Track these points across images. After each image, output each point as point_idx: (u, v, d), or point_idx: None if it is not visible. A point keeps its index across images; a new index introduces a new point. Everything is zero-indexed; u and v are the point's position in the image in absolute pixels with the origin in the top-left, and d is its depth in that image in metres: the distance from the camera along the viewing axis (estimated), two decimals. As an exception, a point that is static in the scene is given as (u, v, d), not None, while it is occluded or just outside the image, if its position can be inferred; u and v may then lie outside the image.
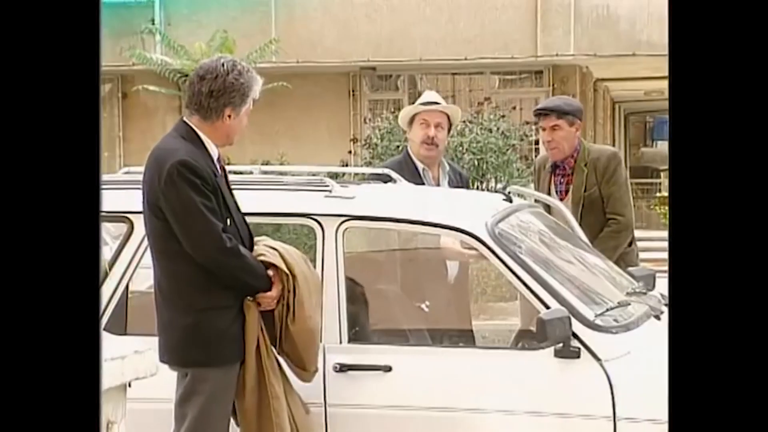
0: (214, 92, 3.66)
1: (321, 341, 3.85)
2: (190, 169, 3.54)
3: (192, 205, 3.53)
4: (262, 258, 3.70)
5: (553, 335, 3.63)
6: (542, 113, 5.44)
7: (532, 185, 10.76)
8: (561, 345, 3.69)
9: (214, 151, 3.74)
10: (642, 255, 5.94)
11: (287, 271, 3.67)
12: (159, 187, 3.57)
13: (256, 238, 3.82)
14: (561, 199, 5.39)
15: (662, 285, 4.97)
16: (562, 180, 5.45)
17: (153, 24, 15.11)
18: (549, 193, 5.41)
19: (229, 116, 3.69)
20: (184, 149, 3.62)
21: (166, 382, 3.88)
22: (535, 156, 15.18)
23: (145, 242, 4.19)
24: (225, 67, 3.67)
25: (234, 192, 3.82)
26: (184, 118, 3.79)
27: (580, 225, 5.29)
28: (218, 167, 3.73)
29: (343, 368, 3.88)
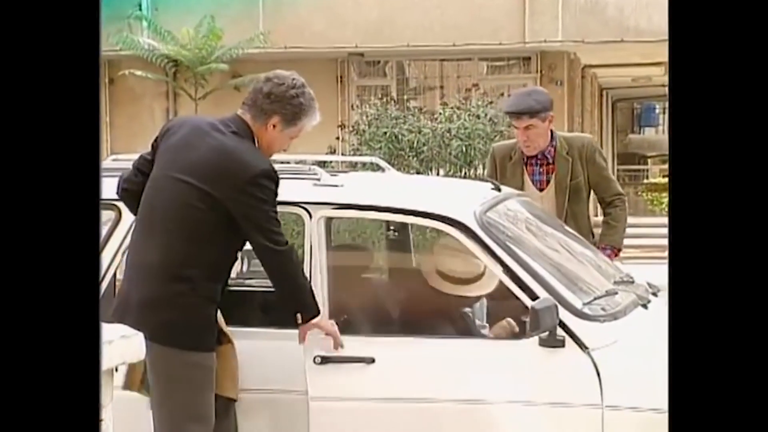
0: (273, 95, 3.76)
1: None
2: (273, 179, 3.68)
3: (272, 213, 3.69)
4: None
5: (544, 324, 3.64)
6: (513, 115, 5.34)
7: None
8: (547, 334, 3.70)
9: None
10: (630, 242, 5.95)
11: None
12: (237, 184, 3.64)
13: None
14: (541, 189, 5.37)
15: (649, 272, 4.98)
16: (541, 170, 5.40)
17: (140, 9, 15.05)
18: (523, 184, 5.38)
19: (274, 126, 3.77)
20: (263, 156, 3.77)
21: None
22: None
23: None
24: (293, 81, 3.81)
25: None
26: (239, 113, 3.84)
27: (567, 213, 5.30)
28: None
29: (324, 360, 3.87)
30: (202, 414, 3.70)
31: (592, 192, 5.49)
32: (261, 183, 3.65)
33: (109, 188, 4.00)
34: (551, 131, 5.41)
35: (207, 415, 3.71)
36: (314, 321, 3.78)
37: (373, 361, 3.85)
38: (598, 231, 5.57)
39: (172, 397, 3.71)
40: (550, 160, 5.37)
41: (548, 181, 5.38)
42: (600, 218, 5.65)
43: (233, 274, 6.34)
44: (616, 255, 5.34)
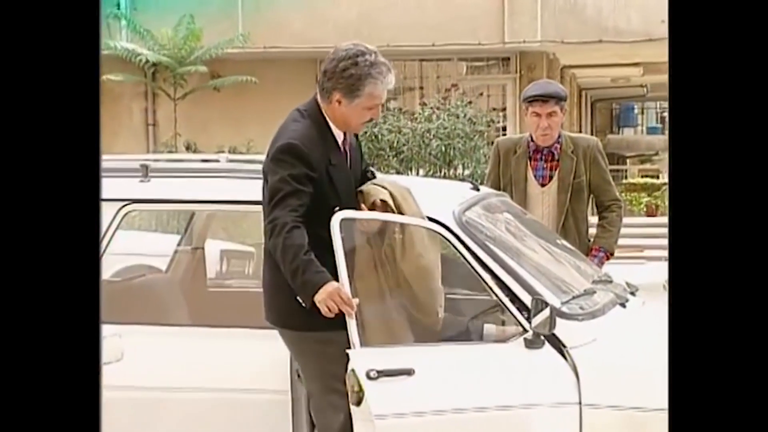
0: (327, 72, 3.75)
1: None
2: (294, 154, 3.61)
3: (276, 185, 3.59)
4: (372, 197, 3.75)
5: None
6: (540, 99, 5.32)
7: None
8: (532, 334, 3.70)
9: (338, 132, 3.79)
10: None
11: (394, 208, 3.74)
12: (267, 160, 3.69)
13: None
14: (543, 185, 5.37)
15: (627, 271, 5.00)
16: (545, 166, 5.40)
17: (119, 9, 14.98)
18: (526, 179, 5.40)
19: (339, 102, 3.73)
20: (300, 130, 3.69)
21: (131, 367, 3.87)
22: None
23: (111, 230, 4.18)
24: (344, 53, 3.75)
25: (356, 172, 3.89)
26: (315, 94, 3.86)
27: (568, 212, 5.30)
28: (342, 149, 3.79)
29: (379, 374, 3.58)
30: (336, 387, 3.65)
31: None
32: (277, 157, 3.65)
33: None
34: None
35: (341, 388, 3.61)
36: (317, 299, 3.50)
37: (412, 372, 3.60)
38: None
39: (305, 371, 3.80)
40: (555, 157, 5.39)
41: (551, 178, 5.38)
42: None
43: (213, 275, 6.37)
44: (608, 259, 5.37)
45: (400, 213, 3.74)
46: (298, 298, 3.58)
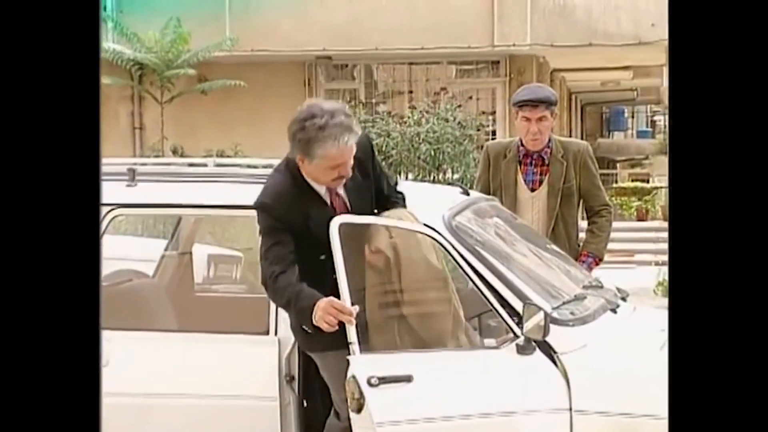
0: (288, 134, 3.74)
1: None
2: (266, 211, 3.72)
3: (262, 241, 3.75)
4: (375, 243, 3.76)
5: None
6: (530, 104, 5.28)
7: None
8: (523, 340, 3.67)
9: (318, 185, 3.77)
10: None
11: (389, 256, 3.74)
12: None
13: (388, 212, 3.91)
14: (533, 189, 5.34)
15: (613, 276, 4.99)
16: (535, 170, 5.36)
17: (105, 11, 14.93)
18: (516, 183, 5.37)
19: (301, 161, 3.72)
20: (275, 185, 3.79)
21: (117, 373, 3.84)
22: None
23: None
24: (298, 116, 3.72)
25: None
26: None
27: (558, 216, 5.28)
28: (327, 199, 3.79)
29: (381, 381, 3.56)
30: (339, 403, 3.80)
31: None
32: (257, 213, 3.77)
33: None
34: None
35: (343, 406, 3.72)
36: (316, 320, 3.50)
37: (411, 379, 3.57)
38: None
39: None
40: (545, 162, 5.35)
41: (541, 182, 5.35)
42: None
43: (200, 280, 6.33)
44: (597, 264, 5.33)
45: (398, 260, 3.76)
46: (304, 327, 3.69)
